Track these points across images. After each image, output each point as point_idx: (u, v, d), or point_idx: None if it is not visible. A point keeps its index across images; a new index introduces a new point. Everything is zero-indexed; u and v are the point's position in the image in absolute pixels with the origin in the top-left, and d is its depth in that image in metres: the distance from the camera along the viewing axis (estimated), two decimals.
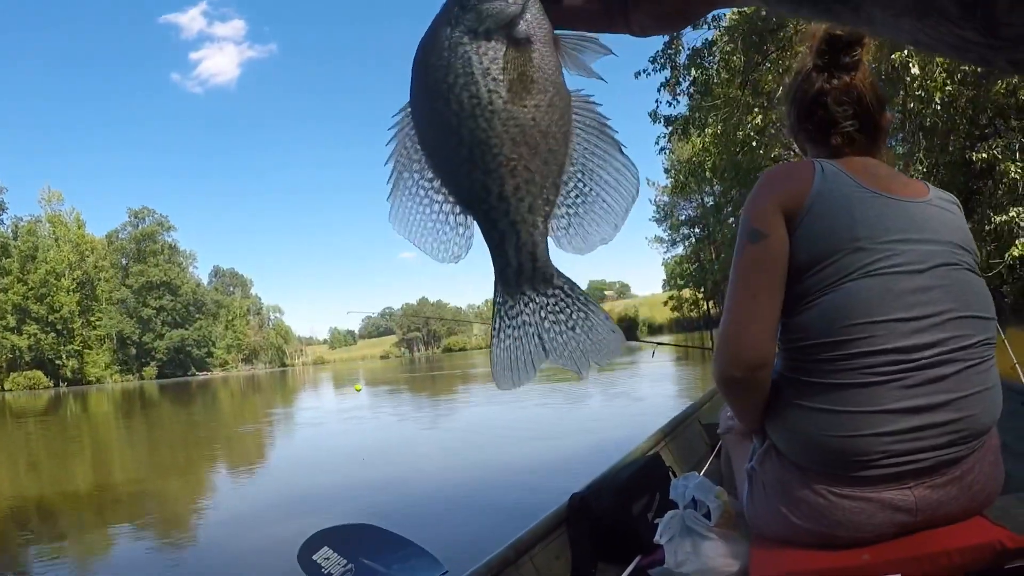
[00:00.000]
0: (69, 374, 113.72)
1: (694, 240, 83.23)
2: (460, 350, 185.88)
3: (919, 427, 1.70)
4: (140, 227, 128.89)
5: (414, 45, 0.70)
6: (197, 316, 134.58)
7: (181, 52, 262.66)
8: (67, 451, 18.17)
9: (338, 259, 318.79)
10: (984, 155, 22.15)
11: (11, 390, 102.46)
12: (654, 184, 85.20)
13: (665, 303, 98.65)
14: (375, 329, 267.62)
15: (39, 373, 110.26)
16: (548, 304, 0.73)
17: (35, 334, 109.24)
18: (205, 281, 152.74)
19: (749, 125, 24.54)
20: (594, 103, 0.72)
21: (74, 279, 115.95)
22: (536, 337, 0.74)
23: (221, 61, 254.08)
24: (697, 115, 26.62)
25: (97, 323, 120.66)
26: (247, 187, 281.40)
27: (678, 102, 26.98)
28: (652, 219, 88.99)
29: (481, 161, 0.68)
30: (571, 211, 0.74)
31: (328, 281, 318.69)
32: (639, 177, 0.74)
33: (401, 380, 41.39)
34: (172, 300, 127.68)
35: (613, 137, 0.72)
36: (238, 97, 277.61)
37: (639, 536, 2.45)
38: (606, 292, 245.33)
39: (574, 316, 0.73)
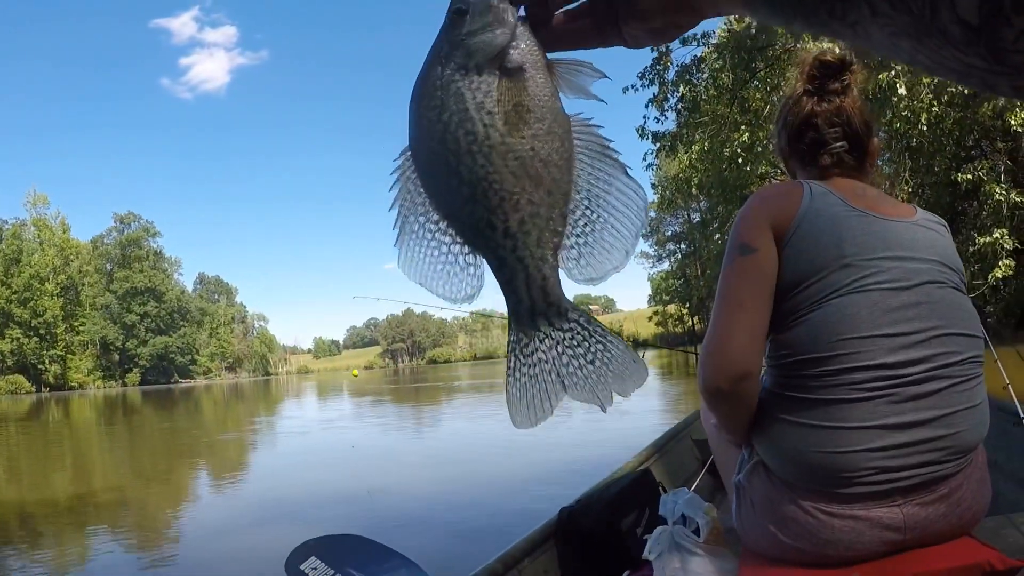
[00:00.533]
0: (52, 379, 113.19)
1: (680, 256, 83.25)
2: (445, 362, 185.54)
3: (906, 443, 1.71)
4: (125, 232, 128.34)
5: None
6: (181, 323, 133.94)
7: (171, 57, 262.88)
8: (48, 457, 18.05)
9: (324, 269, 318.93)
10: (969, 176, 22.31)
11: None
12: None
13: (650, 318, 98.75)
14: (359, 339, 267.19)
15: (21, 378, 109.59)
16: (564, 339, 0.72)
17: (18, 338, 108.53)
18: (190, 288, 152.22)
19: (736, 142, 24.61)
20: (594, 125, 0.71)
21: (58, 284, 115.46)
22: (553, 373, 0.73)
23: (211, 67, 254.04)
24: (685, 131, 26.68)
25: (80, 328, 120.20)
26: (234, 194, 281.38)
27: (666, 118, 27.04)
28: None
29: (483, 198, 0.67)
30: (580, 240, 0.72)
31: (313, 290, 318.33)
32: (646, 199, 0.73)
33: (385, 391, 41.26)
34: (156, 307, 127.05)
35: (617, 159, 0.71)
36: (228, 104, 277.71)
37: (628, 551, 2.45)
38: (591, 306, 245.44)
39: (592, 349, 0.72)
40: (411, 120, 0.70)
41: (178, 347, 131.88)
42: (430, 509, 7.55)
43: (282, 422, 25.43)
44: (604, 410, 0.75)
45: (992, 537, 1.83)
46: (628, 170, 0.72)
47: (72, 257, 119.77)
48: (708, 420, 2.39)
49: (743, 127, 24.63)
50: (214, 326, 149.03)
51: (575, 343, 0.72)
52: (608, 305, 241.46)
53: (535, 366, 0.73)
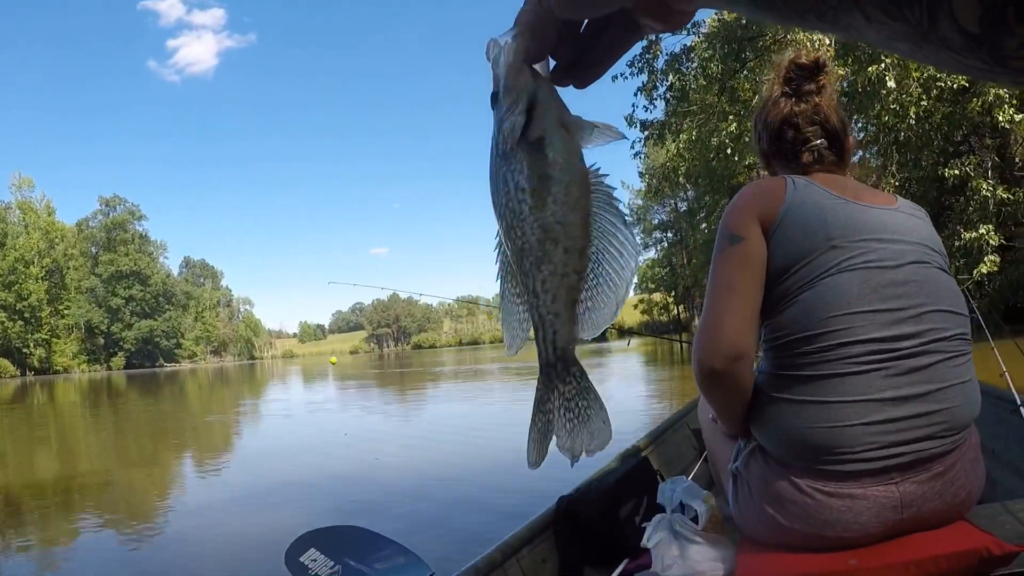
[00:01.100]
0: (36, 363, 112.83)
1: (666, 244, 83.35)
2: (430, 347, 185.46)
3: (901, 417, 1.75)
4: (111, 215, 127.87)
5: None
6: (166, 307, 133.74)
7: (159, 39, 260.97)
8: (32, 440, 17.97)
9: (310, 253, 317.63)
10: (957, 171, 22.39)
11: None
12: (628, 187, 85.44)
13: (635, 306, 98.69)
14: (345, 324, 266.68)
15: (6, 362, 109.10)
16: (566, 392, 0.76)
17: (2, 322, 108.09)
18: (175, 272, 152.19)
19: (724, 132, 24.66)
20: (604, 175, 0.74)
21: (43, 267, 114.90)
22: (553, 422, 0.77)
23: (199, 50, 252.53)
24: (673, 120, 26.70)
25: (65, 312, 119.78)
26: (220, 178, 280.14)
27: (655, 107, 27.12)
28: None
29: (521, 265, 0.72)
30: (587, 294, 0.76)
31: (299, 275, 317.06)
32: (640, 251, 0.77)
33: (370, 376, 41.21)
34: (142, 290, 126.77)
35: (619, 208, 0.74)
36: (215, 87, 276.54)
37: (626, 540, 2.46)
38: None
39: (580, 405, 0.76)
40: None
41: (163, 331, 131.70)
42: (425, 495, 7.54)
43: (267, 405, 25.37)
44: (572, 464, 0.80)
45: (988, 524, 1.86)
46: (627, 220, 0.75)
47: (57, 240, 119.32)
48: (706, 414, 2.43)
49: (731, 117, 24.69)
50: (199, 310, 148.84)
51: (569, 397, 0.76)
52: None
53: (547, 414, 0.77)
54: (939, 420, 1.77)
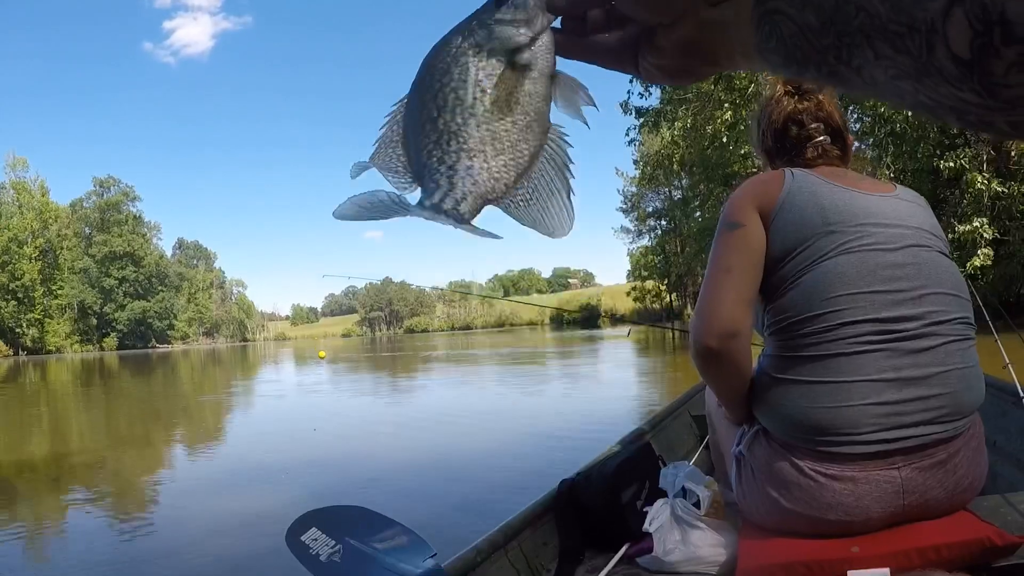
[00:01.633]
0: (29, 343, 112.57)
1: (660, 232, 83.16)
2: (422, 331, 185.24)
3: (905, 400, 1.77)
4: (105, 196, 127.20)
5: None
6: (160, 288, 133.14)
7: (154, 20, 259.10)
8: (24, 420, 17.96)
9: (304, 236, 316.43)
10: (952, 164, 22.43)
11: None
12: (622, 174, 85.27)
13: (628, 293, 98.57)
14: (338, 307, 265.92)
15: None
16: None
17: None
18: (169, 253, 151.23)
19: (720, 120, 24.65)
20: (567, 143, 0.74)
21: (36, 247, 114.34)
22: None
23: (194, 31, 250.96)
24: (668, 108, 26.68)
25: (59, 292, 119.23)
26: (215, 160, 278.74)
27: (650, 94, 27.07)
28: (619, 209, 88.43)
29: (445, 143, 0.70)
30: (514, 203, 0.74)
31: (293, 257, 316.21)
32: (571, 227, 0.76)
33: (362, 359, 41.16)
34: (135, 271, 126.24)
35: (568, 180, 0.74)
36: (211, 69, 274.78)
37: (628, 524, 2.47)
38: (571, 280, 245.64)
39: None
40: (417, 74, 0.74)
41: (156, 312, 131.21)
42: (424, 477, 7.55)
43: (260, 386, 25.39)
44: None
45: (990, 516, 1.87)
46: (572, 193, 0.75)
47: (51, 221, 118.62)
48: (713, 398, 2.45)
49: (727, 105, 24.66)
50: (192, 291, 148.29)
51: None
52: (587, 279, 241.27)
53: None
54: (940, 404, 1.78)
